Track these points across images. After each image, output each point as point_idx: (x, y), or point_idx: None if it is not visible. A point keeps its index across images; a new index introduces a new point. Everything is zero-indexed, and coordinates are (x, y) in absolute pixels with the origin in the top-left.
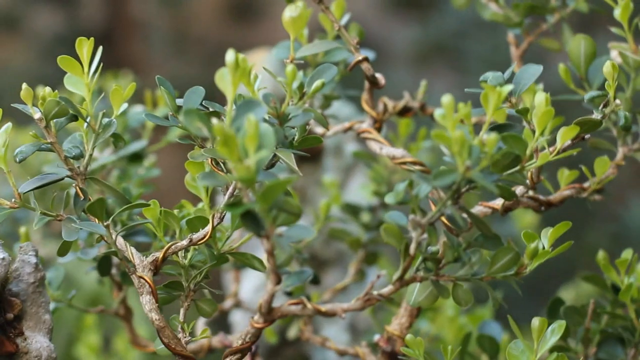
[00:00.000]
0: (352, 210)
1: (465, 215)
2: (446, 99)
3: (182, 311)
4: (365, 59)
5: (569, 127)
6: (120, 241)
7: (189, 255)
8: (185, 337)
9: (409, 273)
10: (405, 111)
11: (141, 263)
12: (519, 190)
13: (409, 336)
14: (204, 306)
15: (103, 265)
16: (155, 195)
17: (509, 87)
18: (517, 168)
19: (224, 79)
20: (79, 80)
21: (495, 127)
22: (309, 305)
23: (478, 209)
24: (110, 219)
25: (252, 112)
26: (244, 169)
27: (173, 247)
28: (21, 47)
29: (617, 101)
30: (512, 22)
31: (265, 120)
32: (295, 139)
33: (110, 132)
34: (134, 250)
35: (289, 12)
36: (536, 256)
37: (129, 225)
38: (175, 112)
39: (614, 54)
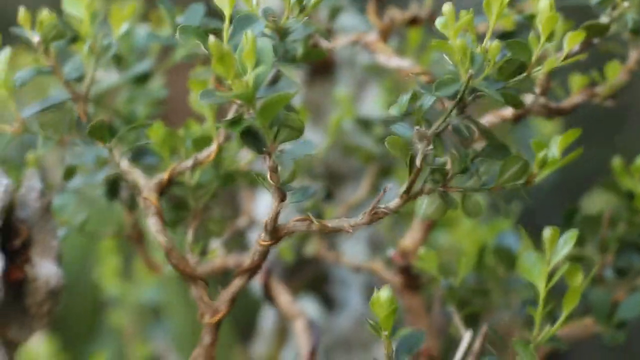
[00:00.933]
0: (365, 123)
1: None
2: (447, 7)
3: (190, 231)
4: None
5: (575, 32)
6: (124, 163)
7: (196, 175)
8: (193, 258)
9: (416, 186)
10: (413, 21)
11: (146, 185)
12: (529, 98)
13: (422, 250)
14: (213, 226)
15: (111, 188)
16: (166, 116)
17: None
18: (524, 75)
19: None
20: (78, 1)
21: (502, 35)
22: (315, 222)
23: (488, 119)
24: (112, 140)
25: (250, 28)
26: (242, 86)
27: (178, 167)
28: None
29: (625, 3)
30: None
31: (264, 35)
32: (298, 53)
33: (110, 54)
34: (139, 172)
35: None
36: (545, 165)
37: (131, 146)
38: (175, 30)
39: None
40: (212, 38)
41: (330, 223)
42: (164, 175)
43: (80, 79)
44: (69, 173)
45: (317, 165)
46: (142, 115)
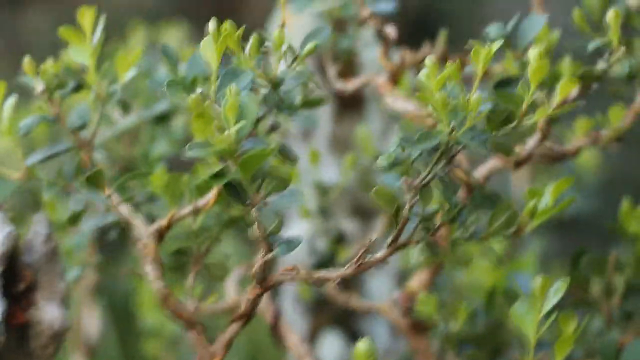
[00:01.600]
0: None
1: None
2: (429, 60)
3: (190, 276)
4: (372, 15)
5: (566, 80)
6: (125, 210)
7: (198, 220)
8: (193, 303)
9: (405, 235)
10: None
11: (146, 231)
12: (531, 143)
13: (422, 294)
14: (215, 270)
15: (119, 233)
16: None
17: (498, 43)
18: (513, 125)
19: (207, 48)
20: (82, 48)
21: (500, 83)
22: (301, 273)
23: (490, 164)
24: (113, 188)
25: (236, 81)
26: (224, 140)
27: (177, 214)
28: None
29: (622, 49)
30: None
31: (259, 86)
32: (296, 102)
33: (114, 100)
34: (139, 218)
35: None
36: (536, 214)
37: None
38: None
39: None
40: (197, 91)
41: (317, 274)
42: (163, 222)
43: (84, 126)
44: (74, 219)
45: (344, 201)
46: (159, 154)
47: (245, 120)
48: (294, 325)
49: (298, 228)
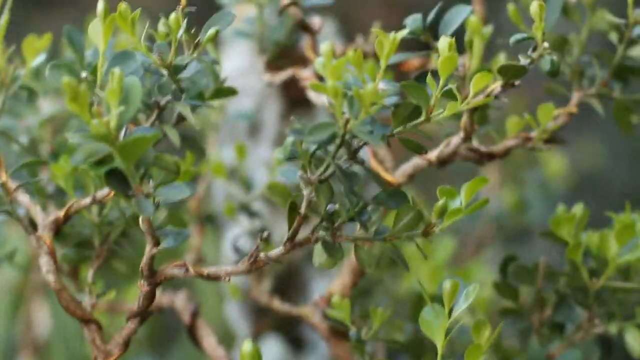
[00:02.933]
0: None
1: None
2: (325, 46)
3: (91, 271)
4: (293, 3)
5: (481, 73)
6: (23, 199)
7: (105, 212)
8: (92, 299)
9: (303, 234)
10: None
11: (42, 222)
12: (454, 140)
13: (335, 297)
14: (119, 266)
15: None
16: None
17: (402, 33)
18: (421, 119)
19: (94, 31)
20: None
21: (416, 77)
22: (191, 269)
23: (413, 162)
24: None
25: (125, 65)
26: (101, 126)
27: (76, 205)
28: None
29: (545, 44)
30: None
31: (152, 72)
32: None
33: (16, 86)
34: (38, 208)
35: None
36: (447, 214)
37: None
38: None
39: None
40: (83, 75)
41: (208, 270)
42: (60, 213)
43: None
44: None
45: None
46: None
47: (127, 105)
48: (239, 328)
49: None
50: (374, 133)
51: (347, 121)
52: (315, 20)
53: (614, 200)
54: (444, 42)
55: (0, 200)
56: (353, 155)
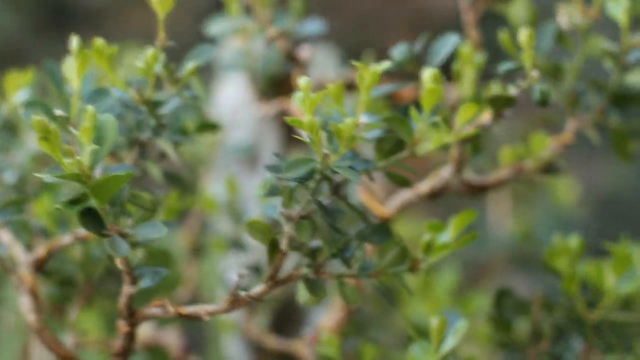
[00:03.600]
0: None
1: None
2: (303, 81)
3: (74, 309)
4: (280, 35)
5: (467, 104)
6: (5, 237)
7: (89, 249)
8: (74, 337)
9: (284, 271)
10: (349, 87)
11: (23, 260)
12: (445, 172)
13: (324, 333)
14: (104, 303)
15: None
16: None
17: (384, 65)
18: (404, 153)
19: (69, 69)
20: None
21: (401, 109)
22: (170, 308)
23: (403, 195)
24: None
25: (100, 102)
26: (74, 165)
27: (57, 242)
28: None
29: (534, 73)
30: None
31: (131, 108)
32: (190, 126)
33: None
34: (20, 247)
35: None
36: (432, 250)
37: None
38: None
39: (561, 16)
40: (58, 112)
41: (187, 310)
42: (42, 251)
43: None
44: None
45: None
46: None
47: (101, 144)
48: None
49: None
50: (355, 168)
51: (327, 156)
52: (304, 51)
53: (634, 224)
54: (427, 74)
55: None
56: (335, 190)
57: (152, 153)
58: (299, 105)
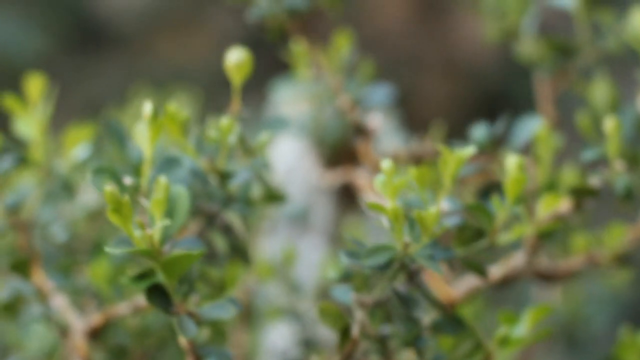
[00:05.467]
0: None
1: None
2: (387, 163)
3: None
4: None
5: (551, 196)
6: (58, 302)
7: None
8: None
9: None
10: (417, 160)
11: (78, 328)
12: (518, 259)
13: None
14: None
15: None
16: None
17: (469, 150)
18: (484, 242)
19: (140, 135)
20: (27, 119)
21: (481, 193)
22: None
23: (469, 282)
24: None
25: (172, 171)
26: (144, 239)
27: (114, 311)
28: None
29: (619, 166)
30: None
31: (202, 178)
32: (256, 196)
33: (59, 180)
34: (73, 313)
35: (233, 57)
36: (507, 344)
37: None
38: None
39: None
40: (127, 181)
41: None
42: (97, 320)
43: (19, 208)
44: (7, 308)
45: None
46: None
47: (173, 218)
48: None
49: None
50: (435, 257)
51: (408, 245)
52: (374, 121)
53: None
54: (512, 162)
55: (36, 302)
56: (410, 277)
57: (217, 224)
58: (380, 189)
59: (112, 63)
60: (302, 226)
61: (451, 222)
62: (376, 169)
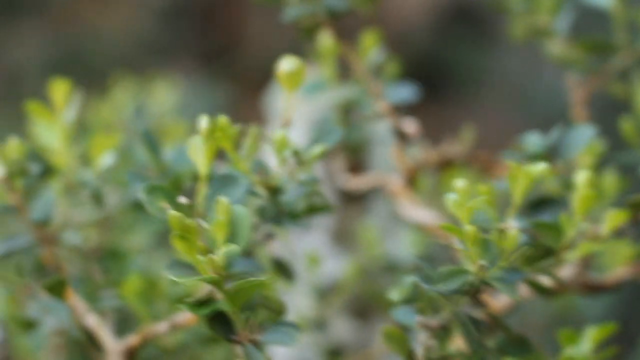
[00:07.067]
0: (392, 267)
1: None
2: (460, 183)
3: None
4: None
5: (617, 211)
6: (92, 321)
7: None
8: None
9: None
10: (446, 163)
11: (114, 348)
12: (568, 271)
13: None
14: None
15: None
16: None
17: (541, 167)
18: (551, 261)
19: (196, 151)
20: (51, 127)
21: (536, 207)
22: None
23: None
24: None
25: (229, 190)
26: (208, 264)
27: (151, 330)
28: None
29: None
30: (573, 61)
31: (254, 193)
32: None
33: (86, 190)
34: (108, 333)
35: (285, 66)
36: None
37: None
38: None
39: None
40: (182, 200)
41: None
42: (135, 340)
43: (47, 222)
44: (30, 326)
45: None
46: (134, 248)
47: (234, 241)
48: None
49: None
50: (508, 280)
51: (482, 268)
52: (411, 126)
53: None
54: (582, 178)
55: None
56: (476, 299)
57: (259, 236)
58: (453, 210)
59: (32, 31)
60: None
61: (523, 239)
62: (409, 174)
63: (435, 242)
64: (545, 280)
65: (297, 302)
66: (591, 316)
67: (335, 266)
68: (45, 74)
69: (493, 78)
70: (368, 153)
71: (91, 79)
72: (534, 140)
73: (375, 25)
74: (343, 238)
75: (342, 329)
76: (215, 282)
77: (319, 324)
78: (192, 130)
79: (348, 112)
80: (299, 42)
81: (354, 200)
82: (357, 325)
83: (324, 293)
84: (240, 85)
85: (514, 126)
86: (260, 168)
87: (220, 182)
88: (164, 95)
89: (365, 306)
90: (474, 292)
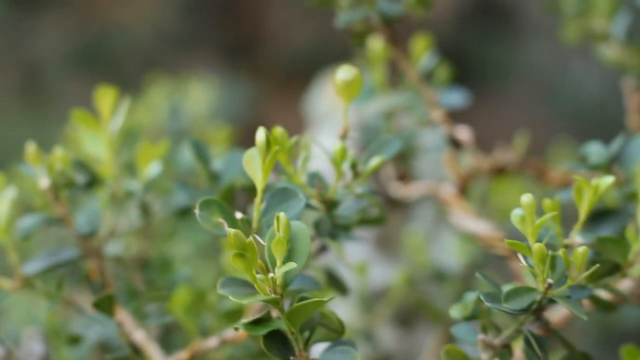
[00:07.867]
0: (438, 275)
1: None
2: (526, 198)
3: None
4: (446, 117)
5: None
6: (139, 336)
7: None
8: None
9: None
10: (500, 171)
11: None
12: (626, 284)
13: None
14: None
15: None
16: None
17: (609, 181)
18: (616, 276)
19: (252, 164)
20: (97, 137)
21: (597, 219)
22: None
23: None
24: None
25: (286, 206)
26: (268, 283)
27: (201, 346)
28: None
29: None
30: (628, 66)
31: (310, 207)
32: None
33: (133, 202)
34: (156, 348)
35: (342, 75)
36: None
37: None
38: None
39: None
40: (238, 216)
41: None
42: (184, 356)
43: (93, 233)
44: (74, 340)
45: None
46: (178, 256)
47: (293, 259)
48: None
49: None
50: (575, 297)
51: (549, 286)
52: (464, 133)
53: None
54: None
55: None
56: (539, 317)
57: (313, 249)
58: (518, 225)
59: (54, 24)
60: None
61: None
62: (461, 182)
63: (481, 250)
64: (604, 294)
65: (342, 311)
66: (629, 327)
67: (381, 273)
68: (66, 66)
69: (518, 72)
70: (415, 160)
71: (112, 71)
72: (596, 150)
73: (420, 28)
74: (387, 245)
75: (388, 337)
76: (274, 302)
77: (367, 335)
78: (230, 133)
79: (392, 118)
80: (322, 36)
81: (398, 206)
82: (402, 334)
83: (371, 302)
84: (264, 80)
85: (539, 120)
86: (316, 180)
87: (278, 197)
88: (199, 97)
89: (410, 314)
90: (539, 309)
